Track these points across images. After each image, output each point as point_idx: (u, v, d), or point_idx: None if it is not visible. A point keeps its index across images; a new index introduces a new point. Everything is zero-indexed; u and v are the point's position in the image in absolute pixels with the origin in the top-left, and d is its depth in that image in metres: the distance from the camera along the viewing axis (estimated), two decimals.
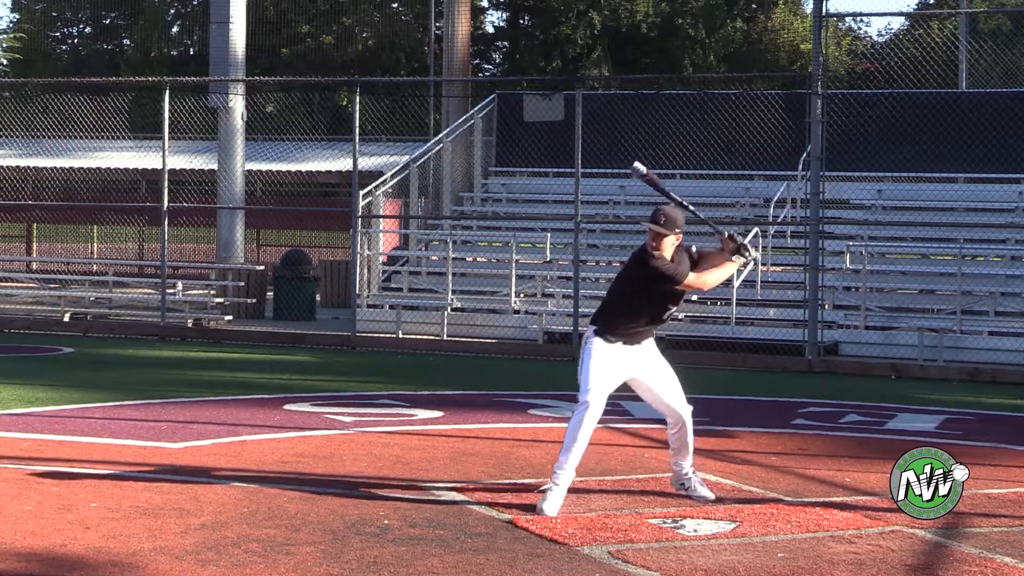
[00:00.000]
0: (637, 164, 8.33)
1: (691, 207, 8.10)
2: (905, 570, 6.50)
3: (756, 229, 19.53)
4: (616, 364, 7.89)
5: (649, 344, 8.07)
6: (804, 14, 45.35)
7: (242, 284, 22.09)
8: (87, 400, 12.33)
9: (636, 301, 7.94)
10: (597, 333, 7.97)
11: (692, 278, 7.90)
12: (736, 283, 18.61)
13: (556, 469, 7.76)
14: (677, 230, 7.89)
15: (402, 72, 42.95)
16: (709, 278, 7.97)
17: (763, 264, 20.00)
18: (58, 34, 51.15)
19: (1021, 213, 20.88)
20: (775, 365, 16.93)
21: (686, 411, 8.07)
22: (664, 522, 7.39)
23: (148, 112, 34.24)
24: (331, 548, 6.68)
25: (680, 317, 17.68)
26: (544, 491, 7.73)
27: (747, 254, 8.01)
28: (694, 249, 8.16)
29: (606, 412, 8.10)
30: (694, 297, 19.63)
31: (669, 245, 7.91)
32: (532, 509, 7.62)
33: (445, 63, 26.91)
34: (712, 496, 8.02)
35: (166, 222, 20.61)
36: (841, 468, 9.34)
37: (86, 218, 31.33)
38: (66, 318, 21.27)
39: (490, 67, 49.57)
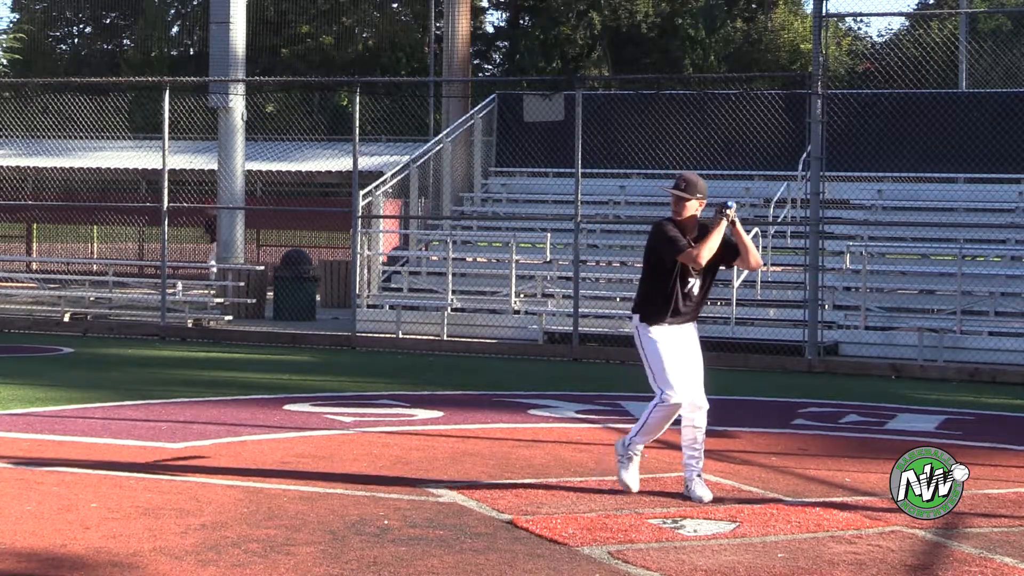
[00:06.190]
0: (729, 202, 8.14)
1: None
2: (905, 570, 6.50)
3: (755, 230, 19.52)
4: (678, 346, 7.94)
5: (692, 327, 8.10)
6: (804, 14, 45.35)
7: (242, 284, 22.10)
8: (87, 400, 12.33)
9: (660, 273, 7.97)
10: (644, 319, 8.00)
11: (685, 253, 7.90)
12: (736, 283, 18.62)
13: (630, 443, 7.96)
14: (699, 195, 7.96)
15: (402, 72, 42.94)
16: (701, 249, 7.89)
17: (763, 264, 20.00)
18: (58, 34, 51.16)
19: (1021, 213, 20.88)
20: (775, 365, 16.92)
21: (706, 403, 8.07)
22: (664, 522, 7.38)
23: (148, 112, 34.27)
24: (331, 548, 6.68)
25: None
26: (622, 463, 7.97)
27: (726, 211, 7.95)
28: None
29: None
30: None
31: (692, 209, 7.96)
32: (532, 509, 7.62)
33: (445, 63, 26.93)
34: (709, 496, 7.92)
35: (166, 222, 20.61)
36: (841, 468, 9.33)
37: (86, 218, 31.33)
38: (66, 318, 21.27)
39: (490, 67, 49.57)
